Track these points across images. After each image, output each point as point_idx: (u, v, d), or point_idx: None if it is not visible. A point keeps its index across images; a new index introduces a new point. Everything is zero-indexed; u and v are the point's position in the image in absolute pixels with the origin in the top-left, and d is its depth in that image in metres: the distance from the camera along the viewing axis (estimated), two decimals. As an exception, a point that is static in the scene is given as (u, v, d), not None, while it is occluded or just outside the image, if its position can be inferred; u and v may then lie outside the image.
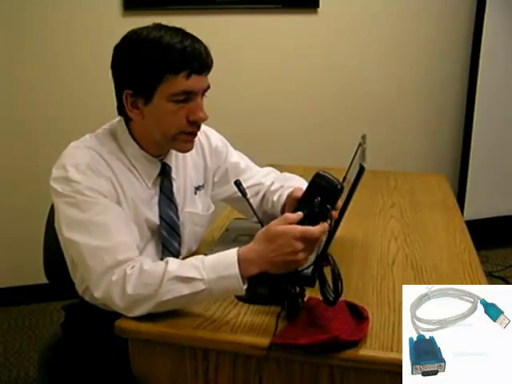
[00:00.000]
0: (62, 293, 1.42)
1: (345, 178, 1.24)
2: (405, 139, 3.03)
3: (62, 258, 1.31)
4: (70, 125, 2.47)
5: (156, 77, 1.12)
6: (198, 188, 1.38)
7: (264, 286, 1.12)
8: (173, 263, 1.08)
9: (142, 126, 1.20)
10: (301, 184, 1.47)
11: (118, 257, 1.10)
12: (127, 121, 1.23)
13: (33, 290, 2.59)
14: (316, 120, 2.87)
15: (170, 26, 1.17)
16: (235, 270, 1.04)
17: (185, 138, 1.20)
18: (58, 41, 2.46)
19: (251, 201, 1.38)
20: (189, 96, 1.15)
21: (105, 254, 1.09)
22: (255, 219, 1.30)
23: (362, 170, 1.09)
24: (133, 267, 1.08)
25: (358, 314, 1.07)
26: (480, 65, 2.83)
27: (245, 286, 1.05)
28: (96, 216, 1.12)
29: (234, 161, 1.46)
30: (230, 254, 1.06)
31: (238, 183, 1.25)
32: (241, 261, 1.05)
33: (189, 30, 1.18)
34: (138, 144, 1.24)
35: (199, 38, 1.18)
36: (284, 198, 1.39)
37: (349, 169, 1.28)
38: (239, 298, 1.16)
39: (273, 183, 1.48)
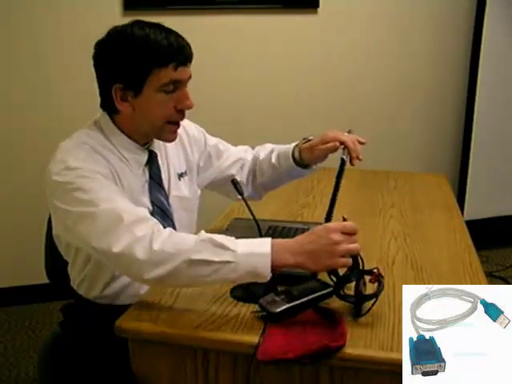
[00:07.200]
0: (62, 293, 1.42)
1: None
2: (405, 139, 3.03)
3: (62, 257, 1.31)
4: (71, 123, 2.44)
5: (145, 70, 1.17)
6: (181, 175, 1.42)
7: (259, 285, 1.12)
8: (205, 233, 1.08)
9: (130, 118, 1.23)
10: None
11: (139, 213, 1.11)
12: (111, 114, 1.26)
13: (33, 289, 2.59)
14: (316, 120, 2.87)
15: (148, 22, 1.21)
16: (268, 248, 1.04)
17: (171, 128, 1.25)
18: (59, 41, 2.47)
19: (238, 178, 1.46)
20: (176, 86, 1.20)
21: (123, 212, 1.09)
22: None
23: (342, 162, 1.16)
24: (159, 230, 1.07)
25: (328, 317, 1.07)
26: (480, 65, 2.83)
27: (269, 276, 1.04)
28: (101, 191, 1.12)
29: (213, 144, 1.51)
30: (264, 238, 1.07)
31: (234, 182, 1.27)
32: (274, 245, 1.05)
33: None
34: (125, 134, 1.27)
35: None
36: (290, 150, 1.45)
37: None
38: (236, 297, 1.16)
39: (258, 155, 1.53)
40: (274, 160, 1.48)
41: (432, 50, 2.92)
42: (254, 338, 1.02)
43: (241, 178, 1.51)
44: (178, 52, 1.18)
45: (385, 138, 2.97)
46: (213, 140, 1.52)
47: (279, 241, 1.07)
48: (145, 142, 1.30)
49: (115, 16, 2.47)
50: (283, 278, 1.10)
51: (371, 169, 2.24)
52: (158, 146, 1.35)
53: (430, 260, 1.38)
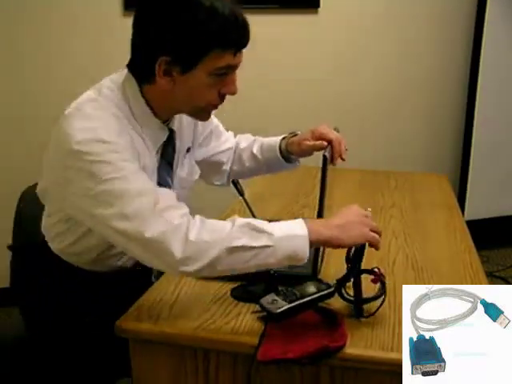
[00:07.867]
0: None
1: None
2: (405, 139, 3.03)
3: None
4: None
5: (204, 49, 1.05)
6: (188, 149, 1.35)
7: (259, 285, 1.12)
8: (240, 218, 1.04)
9: (165, 93, 1.11)
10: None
11: (173, 198, 1.06)
12: (141, 82, 1.13)
13: (33, 290, 2.58)
14: (315, 120, 2.84)
15: None
16: (304, 230, 1.02)
17: (209, 109, 1.18)
18: (58, 41, 2.47)
19: (226, 166, 1.48)
20: (229, 70, 1.11)
21: (157, 194, 1.02)
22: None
23: (324, 160, 1.19)
24: (191, 219, 1.01)
25: (328, 317, 1.07)
26: (480, 65, 2.83)
27: (306, 259, 1.03)
28: (132, 169, 1.03)
29: (215, 123, 1.47)
30: (296, 219, 1.05)
31: (235, 182, 1.28)
32: (308, 223, 1.03)
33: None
34: (150, 108, 1.15)
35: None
36: (278, 143, 1.46)
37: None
38: (236, 297, 1.16)
39: (239, 143, 1.51)
40: (255, 151, 1.46)
41: (433, 50, 2.92)
42: (254, 339, 1.02)
43: (226, 166, 1.49)
44: (243, 35, 1.09)
45: (385, 138, 2.97)
46: (215, 119, 1.45)
47: (310, 219, 1.06)
48: (167, 119, 1.19)
49: (115, 16, 2.46)
50: (283, 278, 1.10)
51: (371, 169, 2.24)
52: (177, 121, 1.25)
53: (431, 260, 1.38)
